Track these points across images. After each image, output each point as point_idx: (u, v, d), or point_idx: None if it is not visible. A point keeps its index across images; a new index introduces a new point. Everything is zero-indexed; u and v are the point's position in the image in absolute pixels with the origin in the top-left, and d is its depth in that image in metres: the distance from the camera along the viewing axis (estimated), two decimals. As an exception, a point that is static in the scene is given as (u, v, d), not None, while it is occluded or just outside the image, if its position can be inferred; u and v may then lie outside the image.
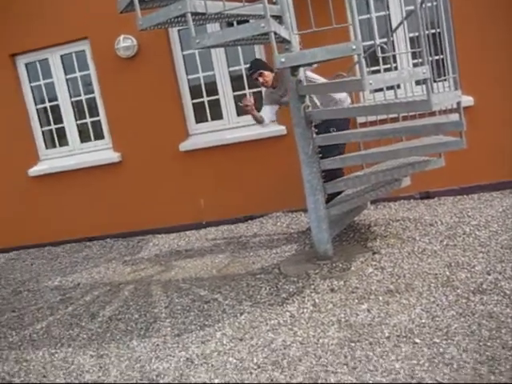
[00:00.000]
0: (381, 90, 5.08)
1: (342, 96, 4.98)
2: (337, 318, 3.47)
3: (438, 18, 3.82)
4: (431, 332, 3.09)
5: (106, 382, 3.26)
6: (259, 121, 5.18)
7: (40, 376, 3.49)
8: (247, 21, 4.23)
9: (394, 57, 5.32)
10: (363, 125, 5.25)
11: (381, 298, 3.64)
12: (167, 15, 3.57)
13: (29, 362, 3.74)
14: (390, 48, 4.72)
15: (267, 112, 5.21)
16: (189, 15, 3.41)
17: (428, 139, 4.51)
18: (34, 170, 6.88)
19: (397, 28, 4.79)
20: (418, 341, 3.02)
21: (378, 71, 4.28)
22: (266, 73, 4.97)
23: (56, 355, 3.76)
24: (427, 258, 4.19)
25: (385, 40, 4.97)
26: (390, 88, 5.08)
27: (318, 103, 4.89)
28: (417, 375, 2.70)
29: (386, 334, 3.16)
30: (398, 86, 5.36)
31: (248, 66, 5.14)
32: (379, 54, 4.03)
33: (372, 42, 5.02)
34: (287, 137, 5.88)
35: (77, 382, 3.33)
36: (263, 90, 5.38)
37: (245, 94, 6.22)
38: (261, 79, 5.00)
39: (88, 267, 5.78)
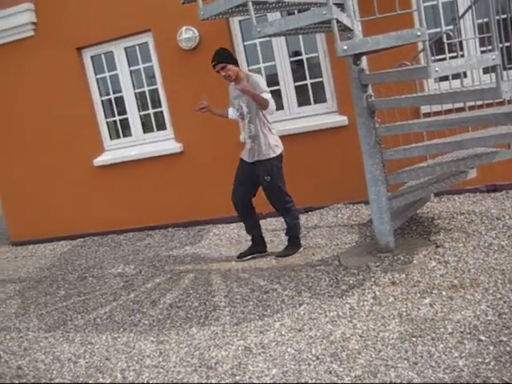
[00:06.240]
0: (446, 78, 4.92)
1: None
2: (398, 312, 3.40)
3: (510, 2, 3.65)
4: (497, 330, 2.98)
5: (165, 367, 3.32)
6: (223, 116, 5.23)
7: (103, 359, 3.60)
8: (308, 10, 4.18)
9: (461, 44, 5.14)
10: (427, 115, 5.09)
11: (444, 293, 3.54)
12: (228, 4, 3.57)
13: (93, 345, 3.86)
14: (456, 35, 4.55)
15: (230, 112, 5.18)
16: (250, 4, 3.40)
17: (496, 129, 4.33)
18: (99, 160, 7.07)
19: (464, 13, 4.61)
20: (483, 338, 2.92)
21: (444, 60, 4.14)
22: (230, 66, 4.73)
23: (119, 339, 3.87)
24: (494, 252, 4.04)
25: (451, 27, 4.80)
26: (455, 77, 4.91)
27: (246, 110, 4.85)
28: (482, 374, 2.61)
29: (449, 330, 3.07)
30: (465, 75, 5.17)
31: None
32: (445, 41, 3.89)
33: (437, 30, 4.87)
34: (348, 127, 5.79)
35: (138, 365, 3.41)
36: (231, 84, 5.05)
37: (305, 85, 6.22)
38: (223, 73, 4.77)
39: (150, 255, 5.90)
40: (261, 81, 4.80)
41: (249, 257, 5.11)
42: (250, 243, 5.21)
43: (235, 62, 4.83)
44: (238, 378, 3.03)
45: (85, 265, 6.05)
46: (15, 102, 7.25)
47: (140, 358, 3.52)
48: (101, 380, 3.34)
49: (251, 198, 5.07)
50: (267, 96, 4.67)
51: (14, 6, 6.84)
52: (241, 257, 5.12)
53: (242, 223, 6.31)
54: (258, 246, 5.15)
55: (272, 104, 4.70)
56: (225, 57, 4.77)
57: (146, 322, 4.09)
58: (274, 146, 4.86)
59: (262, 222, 6.23)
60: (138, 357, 3.54)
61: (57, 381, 3.45)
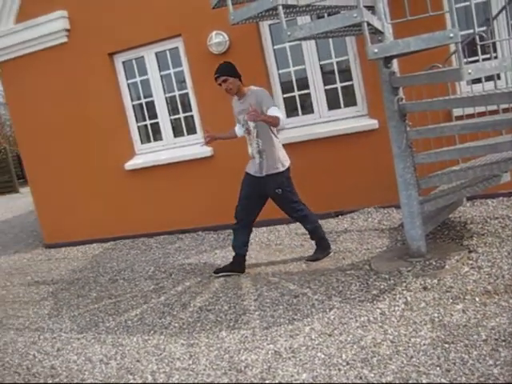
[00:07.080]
0: (479, 81, 4.84)
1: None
2: (430, 318, 3.35)
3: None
4: (534, 337, 2.91)
5: (195, 369, 3.33)
6: (232, 136, 5.25)
7: (134, 360, 3.64)
8: (338, 13, 4.16)
9: (495, 46, 5.06)
10: (459, 118, 5.02)
11: (477, 299, 3.47)
12: (259, 8, 3.58)
13: (124, 347, 3.90)
14: (490, 36, 4.48)
15: (237, 130, 5.15)
16: (280, 8, 3.40)
17: (531, 132, 4.25)
18: (130, 164, 7.15)
19: (498, 14, 4.53)
20: (518, 346, 2.86)
21: (477, 62, 4.08)
22: (231, 79, 4.70)
23: (149, 342, 3.90)
24: (529, 258, 3.95)
25: (484, 28, 4.73)
26: (489, 79, 4.83)
27: (253, 125, 4.74)
28: (517, 382, 2.56)
29: (483, 337, 3.00)
30: (498, 77, 5.08)
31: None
32: (478, 42, 3.83)
33: (470, 31, 4.80)
34: (379, 130, 5.74)
35: (168, 368, 3.43)
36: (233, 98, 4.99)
37: (335, 88, 6.19)
38: (224, 86, 4.74)
39: (180, 258, 5.94)
40: (266, 95, 4.74)
41: (224, 274, 4.99)
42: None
43: (238, 77, 4.77)
44: (267, 381, 3.03)
45: (116, 267, 6.12)
46: (47, 107, 7.40)
47: (170, 361, 3.54)
48: (131, 381, 3.37)
49: (256, 214, 5.01)
50: (277, 112, 4.60)
51: (48, 14, 6.99)
52: (217, 272, 5.04)
53: (270, 227, 6.36)
54: (239, 266, 5.00)
55: (282, 119, 4.61)
56: (227, 70, 4.74)
57: (177, 324, 4.12)
58: (283, 160, 4.80)
59: (291, 226, 6.25)
60: (168, 359, 3.57)
61: (89, 381, 3.49)
